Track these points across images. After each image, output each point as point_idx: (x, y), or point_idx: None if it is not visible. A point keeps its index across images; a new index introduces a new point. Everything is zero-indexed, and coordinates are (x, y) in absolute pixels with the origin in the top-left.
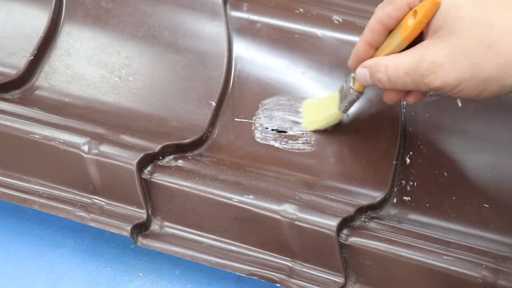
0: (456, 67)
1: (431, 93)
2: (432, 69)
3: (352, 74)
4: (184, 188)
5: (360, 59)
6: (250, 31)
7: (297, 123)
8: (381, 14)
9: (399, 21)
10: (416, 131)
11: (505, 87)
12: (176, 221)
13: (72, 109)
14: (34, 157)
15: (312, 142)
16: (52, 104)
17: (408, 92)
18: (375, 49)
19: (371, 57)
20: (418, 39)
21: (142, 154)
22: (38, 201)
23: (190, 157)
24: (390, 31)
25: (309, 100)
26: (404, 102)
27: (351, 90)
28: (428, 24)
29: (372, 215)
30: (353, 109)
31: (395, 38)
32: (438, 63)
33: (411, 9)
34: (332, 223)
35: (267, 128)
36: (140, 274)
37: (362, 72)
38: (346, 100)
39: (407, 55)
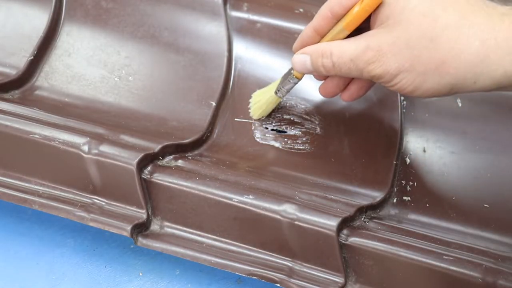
0: (398, 57)
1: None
2: (377, 57)
3: None
4: (184, 188)
5: (304, 45)
6: (250, 31)
7: (297, 123)
8: (332, 1)
9: (348, 10)
10: (416, 131)
11: (441, 84)
12: (176, 221)
13: (72, 109)
14: (34, 157)
15: (312, 142)
16: (52, 104)
17: (345, 87)
18: (321, 36)
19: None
20: (365, 30)
21: (142, 154)
22: (38, 201)
23: (190, 157)
24: (338, 20)
25: (258, 90)
26: (405, 102)
27: (291, 74)
28: (376, 15)
29: (372, 215)
30: (353, 109)
31: (338, 25)
32: (382, 51)
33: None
34: (332, 223)
35: (267, 128)
36: (140, 274)
37: (301, 58)
38: (284, 85)
39: (353, 42)
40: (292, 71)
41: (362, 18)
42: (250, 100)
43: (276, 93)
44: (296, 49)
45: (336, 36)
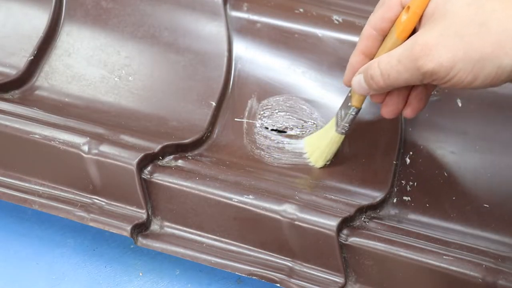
0: (449, 47)
1: (433, 94)
2: (425, 51)
3: (349, 93)
4: (184, 188)
5: (355, 72)
6: (250, 31)
7: (297, 122)
8: (373, 18)
9: (393, 22)
10: (416, 131)
11: (502, 68)
12: (176, 221)
13: (72, 109)
14: (34, 157)
15: None
16: (52, 104)
17: (406, 103)
18: (370, 58)
19: None
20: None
21: (142, 154)
22: (38, 201)
23: (190, 157)
24: (384, 36)
25: (308, 137)
26: None
27: (349, 106)
28: (420, 18)
29: (372, 215)
30: None
31: (389, 39)
32: (430, 44)
33: (403, 8)
34: (332, 223)
35: (267, 128)
36: (140, 274)
37: (356, 79)
38: (344, 119)
39: (400, 46)
40: (349, 104)
41: (414, 22)
42: (304, 149)
43: (337, 130)
44: (347, 79)
45: (390, 49)
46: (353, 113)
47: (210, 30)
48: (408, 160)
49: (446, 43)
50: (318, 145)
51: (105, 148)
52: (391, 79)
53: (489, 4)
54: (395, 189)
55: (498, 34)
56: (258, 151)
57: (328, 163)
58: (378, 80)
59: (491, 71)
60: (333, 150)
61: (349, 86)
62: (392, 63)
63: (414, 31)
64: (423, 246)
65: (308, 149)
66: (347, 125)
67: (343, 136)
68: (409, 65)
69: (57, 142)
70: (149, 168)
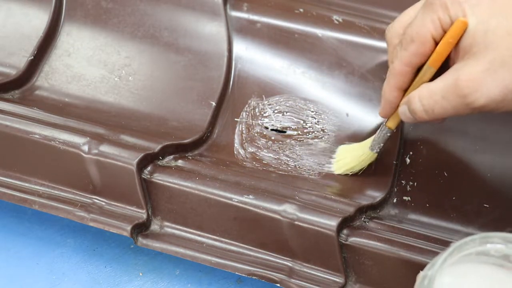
0: (498, 81)
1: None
2: (473, 87)
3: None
4: (184, 188)
5: (393, 107)
6: (250, 31)
7: (296, 123)
8: (406, 55)
9: (427, 57)
10: (416, 131)
11: None
12: (176, 221)
13: (72, 109)
14: (34, 157)
15: (312, 142)
16: (52, 104)
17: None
18: (405, 91)
19: None
20: (446, 68)
21: (142, 154)
22: (38, 201)
23: (190, 157)
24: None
25: (344, 145)
26: None
27: (384, 127)
28: (456, 48)
29: (372, 215)
30: (353, 109)
31: (423, 70)
32: (478, 80)
33: (436, 42)
34: (332, 223)
35: (267, 128)
36: (140, 274)
37: (402, 110)
38: (379, 139)
39: (440, 80)
40: (384, 123)
41: (448, 50)
42: (335, 154)
43: (370, 148)
44: (384, 112)
45: (421, 79)
46: (388, 134)
47: (210, 30)
48: (408, 160)
49: (495, 77)
50: (349, 155)
51: (105, 148)
52: (435, 114)
53: None
54: (395, 189)
55: None
56: (258, 151)
57: (348, 173)
58: (422, 115)
59: None
60: (360, 165)
61: (385, 117)
62: (436, 99)
63: (446, 63)
64: (423, 246)
65: (338, 155)
66: (382, 144)
67: (375, 155)
68: (456, 101)
69: (57, 142)
70: (149, 168)
